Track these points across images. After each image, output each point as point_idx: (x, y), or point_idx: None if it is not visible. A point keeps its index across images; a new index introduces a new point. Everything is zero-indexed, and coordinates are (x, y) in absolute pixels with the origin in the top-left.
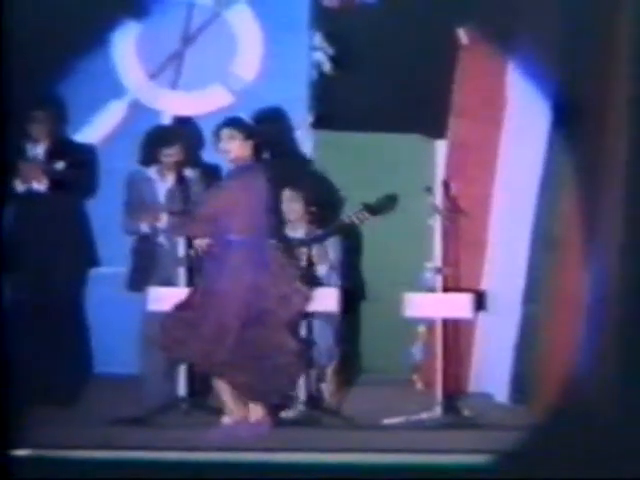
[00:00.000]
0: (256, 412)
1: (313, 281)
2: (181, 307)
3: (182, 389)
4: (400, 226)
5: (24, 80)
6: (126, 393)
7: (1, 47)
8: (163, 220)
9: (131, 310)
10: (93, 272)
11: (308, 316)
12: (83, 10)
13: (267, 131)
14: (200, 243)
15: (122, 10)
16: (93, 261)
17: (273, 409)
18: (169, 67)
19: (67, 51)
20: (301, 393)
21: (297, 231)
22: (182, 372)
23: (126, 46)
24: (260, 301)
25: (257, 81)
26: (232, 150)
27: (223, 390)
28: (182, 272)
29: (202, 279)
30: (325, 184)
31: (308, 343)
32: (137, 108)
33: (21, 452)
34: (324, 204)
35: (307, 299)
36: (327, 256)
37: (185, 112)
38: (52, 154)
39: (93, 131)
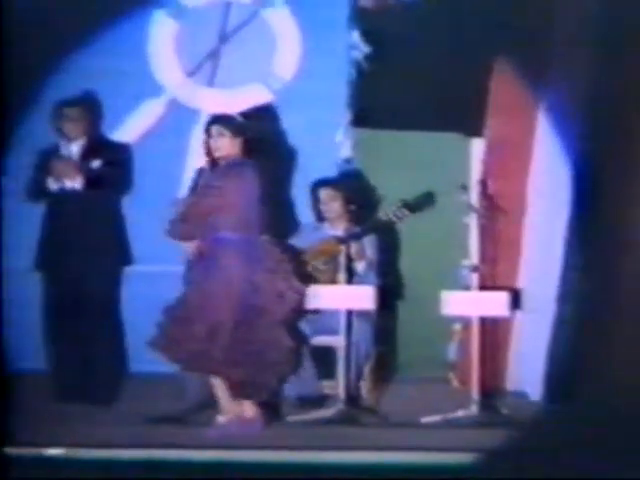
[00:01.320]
0: (250, 410)
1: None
2: (175, 307)
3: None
4: (437, 224)
5: (54, 76)
6: (163, 391)
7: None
8: None
9: None
10: (129, 270)
11: (350, 314)
12: (117, 6)
13: (256, 128)
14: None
15: (159, 7)
16: (129, 259)
17: (266, 407)
18: (207, 65)
19: (98, 47)
20: (340, 391)
21: (337, 229)
22: None
23: (163, 44)
24: (255, 298)
25: (296, 80)
26: (221, 147)
27: (218, 388)
28: None
29: (195, 278)
30: (364, 182)
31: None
32: (174, 106)
33: (56, 451)
34: (363, 202)
35: (302, 296)
36: (365, 253)
37: (223, 110)
38: (88, 152)
39: (130, 129)
